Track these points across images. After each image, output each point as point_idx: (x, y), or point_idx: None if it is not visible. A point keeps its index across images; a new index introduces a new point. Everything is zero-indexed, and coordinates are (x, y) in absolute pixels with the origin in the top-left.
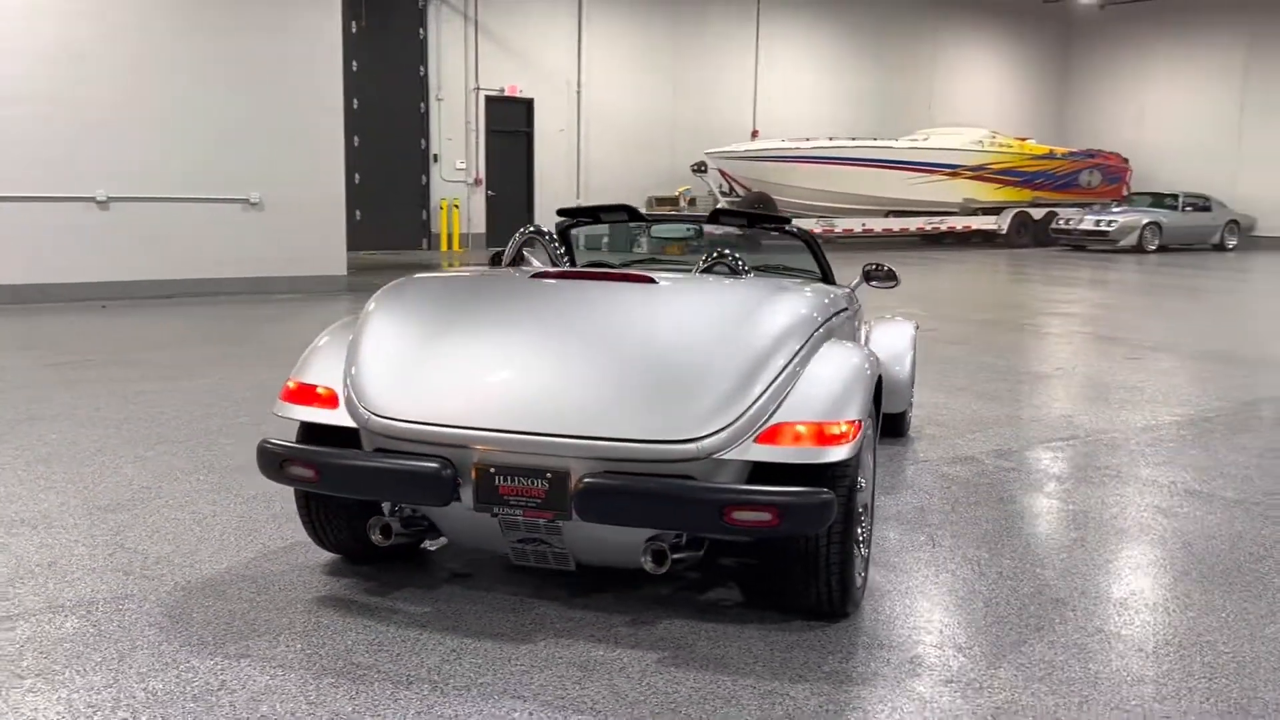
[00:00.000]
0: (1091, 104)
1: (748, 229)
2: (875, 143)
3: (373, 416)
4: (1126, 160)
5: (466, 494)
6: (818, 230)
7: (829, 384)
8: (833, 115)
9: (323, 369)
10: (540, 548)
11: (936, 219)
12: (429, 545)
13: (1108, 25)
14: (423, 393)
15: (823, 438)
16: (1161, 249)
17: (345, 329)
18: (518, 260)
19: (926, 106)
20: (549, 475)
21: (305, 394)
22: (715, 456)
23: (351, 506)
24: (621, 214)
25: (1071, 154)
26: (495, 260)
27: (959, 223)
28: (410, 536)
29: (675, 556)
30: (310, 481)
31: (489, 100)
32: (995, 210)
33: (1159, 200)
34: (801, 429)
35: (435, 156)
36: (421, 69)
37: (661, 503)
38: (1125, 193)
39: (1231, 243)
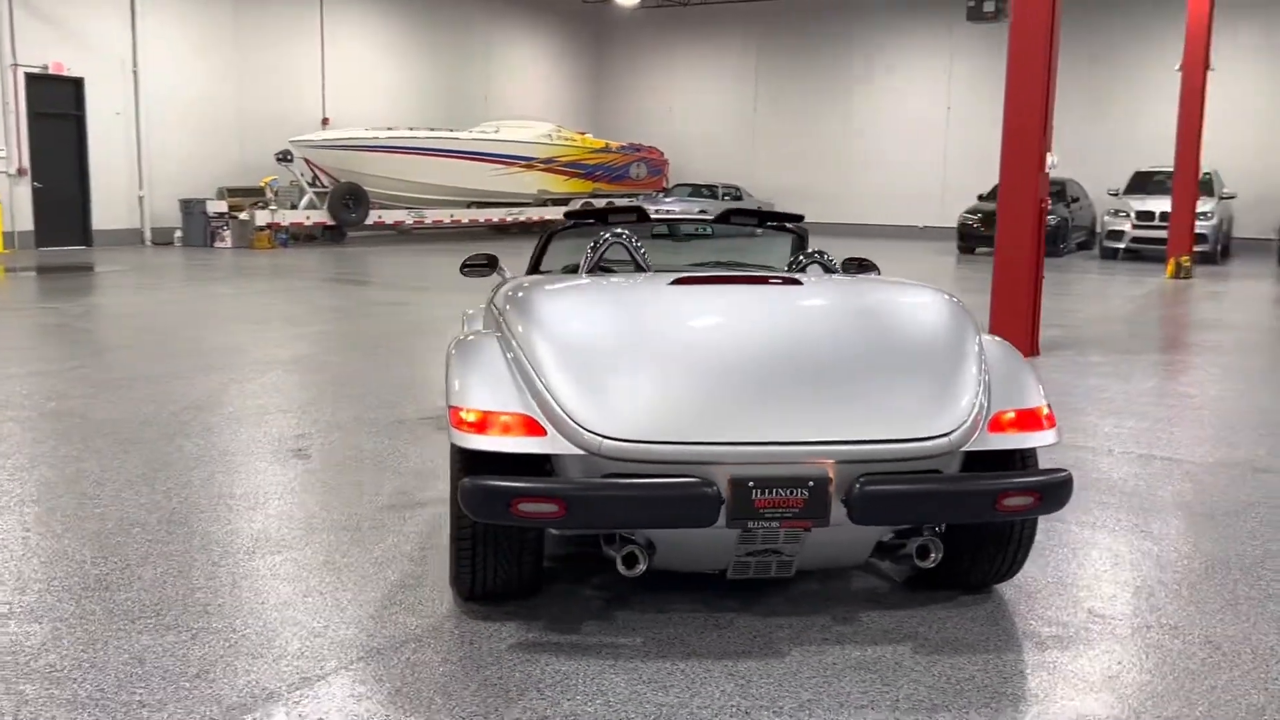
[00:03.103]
0: (626, 100)
1: (759, 227)
2: (452, 134)
3: (605, 441)
4: (664, 154)
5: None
6: (409, 221)
7: (1013, 372)
8: (399, 105)
9: (496, 395)
10: (767, 558)
11: (516, 210)
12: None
13: (639, 27)
14: (657, 411)
15: (1034, 422)
16: None
17: (480, 350)
18: (596, 266)
19: (483, 99)
20: (810, 484)
21: (489, 423)
22: (963, 449)
23: (532, 543)
24: (631, 215)
25: (623, 148)
26: (464, 271)
27: (536, 214)
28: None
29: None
30: (551, 517)
31: (30, 78)
32: (564, 201)
33: (697, 191)
34: (1012, 415)
35: None
36: None
37: (944, 499)
38: (665, 184)
39: None
